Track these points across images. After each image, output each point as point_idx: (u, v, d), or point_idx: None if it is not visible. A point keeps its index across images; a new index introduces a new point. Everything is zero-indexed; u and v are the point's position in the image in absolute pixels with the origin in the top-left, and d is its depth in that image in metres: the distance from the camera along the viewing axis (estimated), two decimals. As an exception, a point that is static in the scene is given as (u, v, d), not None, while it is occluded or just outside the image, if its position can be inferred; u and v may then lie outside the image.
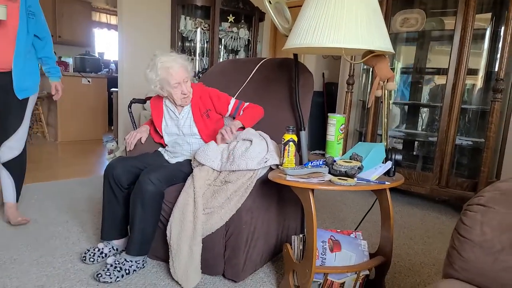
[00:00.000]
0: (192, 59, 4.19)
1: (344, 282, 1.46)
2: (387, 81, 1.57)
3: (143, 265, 1.68)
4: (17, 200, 2.20)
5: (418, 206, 2.89)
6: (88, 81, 5.10)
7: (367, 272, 1.50)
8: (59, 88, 2.29)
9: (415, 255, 1.99)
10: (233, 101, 1.90)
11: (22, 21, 1.97)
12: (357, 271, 1.45)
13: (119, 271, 1.59)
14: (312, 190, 1.36)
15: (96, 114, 5.25)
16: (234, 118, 1.89)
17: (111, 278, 1.56)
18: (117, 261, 1.63)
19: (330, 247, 1.48)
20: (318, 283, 1.46)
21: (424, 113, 3.27)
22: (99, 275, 1.57)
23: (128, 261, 1.63)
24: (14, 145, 2.11)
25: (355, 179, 1.38)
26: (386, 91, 1.59)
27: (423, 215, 2.67)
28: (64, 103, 4.81)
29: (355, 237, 1.55)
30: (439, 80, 3.09)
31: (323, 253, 1.46)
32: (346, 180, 1.34)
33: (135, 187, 1.63)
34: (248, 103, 1.90)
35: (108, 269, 1.58)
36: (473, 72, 2.77)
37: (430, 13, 2.94)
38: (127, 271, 1.61)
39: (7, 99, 2.05)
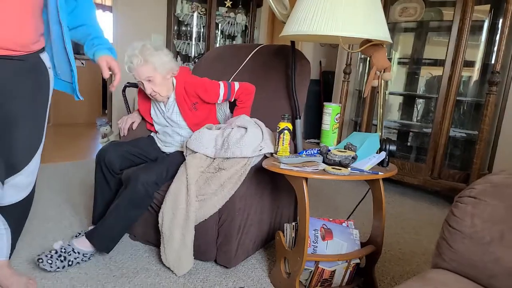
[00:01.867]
0: (188, 43, 4.13)
1: (335, 270, 1.48)
2: (383, 71, 1.56)
3: (89, 258, 1.61)
4: (10, 255, 1.39)
5: (411, 196, 2.92)
6: (82, 63, 5.02)
7: (357, 261, 1.52)
8: (113, 66, 1.36)
9: (405, 245, 2.02)
10: (222, 90, 1.76)
11: None
12: (348, 259, 1.47)
13: (61, 262, 1.51)
14: (306, 178, 1.36)
15: (90, 97, 5.19)
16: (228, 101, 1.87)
17: (51, 267, 1.49)
18: (64, 248, 1.54)
19: (322, 235, 1.49)
20: (309, 270, 1.47)
21: (420, 104, 3.27)
22: (40, 260, 1.48)
23: (75, 252, 1.55)
24: (24, 182, 1.29)
25: (349, 168, 1.38)
26: (382, 81, 1.58)
27: (415, 206, 2.70)
28: (57, 85, 4.74)
29: (347, 226, 1.56)
30: (436, 71, 3.08)
31: (315, 241, 1.47)
32: (340, 169, 1.34)
33: (127, 185, 1.59)
34: (238, 85, 1.79)
35: (51, 256, 1.51)
36: (469, 64, 2.76)
37: (429, 3, 2.91)
38: (70, 263, 1.53)
39: (16, 102, 1.22)
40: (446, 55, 2.60)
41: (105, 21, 7.11)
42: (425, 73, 3.17)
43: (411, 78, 3.23)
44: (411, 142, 3.29)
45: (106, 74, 1.36)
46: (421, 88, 3.21)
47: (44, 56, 1.31)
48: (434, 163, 2.71)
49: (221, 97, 1.78)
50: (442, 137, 2.67)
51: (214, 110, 1.89)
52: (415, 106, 3.30)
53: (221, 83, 1.78)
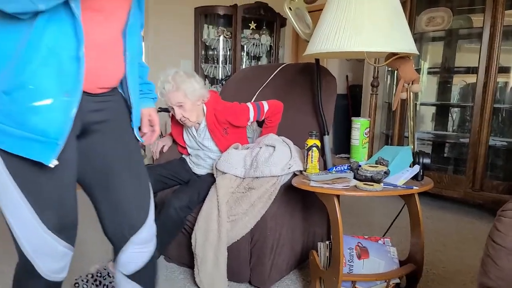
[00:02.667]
0: (215, 66, 4.25)
1: (373, 290, 1.42)
2: (412, 83, 1.53)
3: None
4: None
5: (451, 210, 2.77)
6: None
7: (397, 280, 1.46)
8: (155, 121, 1.20)
9: (448, 262, 1.91)
10: (252, 112, 1.77)
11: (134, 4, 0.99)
12: (386, 279, 1.41)
13: (97, 286, 1.56)
14: (338, 195, 1.34)
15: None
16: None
17: None
18: (100, 272, 1.59)
19: (358, 254, 1.45)
20: (346, 291, 1.43)
21: (455, 113, 3.16)
22: (76, 285, 1.55)
23: (110, 276, 1.59)
24: (146, 237, 1.08)
25: (382, 184, 1.34)
26: (411, 93, 1.55)
27: (456, 220, 2.56)
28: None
29: (384, 243, 1.51)
30: (469, 79, 2.97)
31: (351, 261, 1.43)
32: (372, 185, 1.31)
33: (161, 210, 1.62)
34: (267, 106, 1.80)
35: (87, 281, 1.57)
36: (505, 70, 2.65)
37: (457, 11, 2.84)
38: (105, 287, 1.58)
39: (121, 142, 1.05)
40: (479, 62, 2.51)
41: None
42: (458, 82, 3.07)
43: (443, 87, 3.14)
44: (447, 154, 3.16)
45: (146, 129, 1.19)
46: (454, 97, 3.10)
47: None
48: (475, 175, 2.57)
49: (251, 120, 1.79)
50: (481, 147, 2.54)
51: (245, 131, 1.91)
52: (450, 115, 3.19)
53: (250, 106, 1.78)
